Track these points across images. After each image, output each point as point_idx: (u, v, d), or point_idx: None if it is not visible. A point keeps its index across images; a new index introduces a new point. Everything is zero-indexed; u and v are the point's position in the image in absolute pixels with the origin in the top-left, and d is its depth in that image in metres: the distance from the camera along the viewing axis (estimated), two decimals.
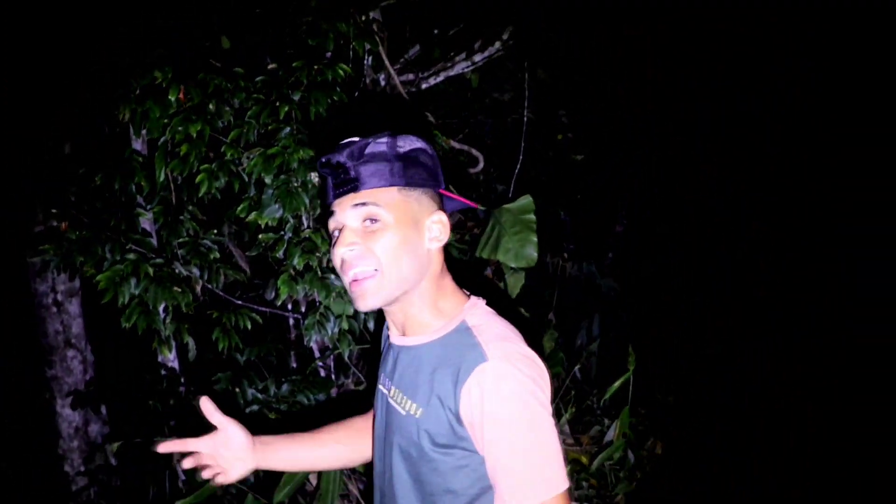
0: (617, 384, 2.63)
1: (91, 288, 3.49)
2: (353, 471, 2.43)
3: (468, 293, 1.22)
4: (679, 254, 4.43)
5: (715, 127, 4.23)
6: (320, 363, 2.48)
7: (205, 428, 2.78)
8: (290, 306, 2.45)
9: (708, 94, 4.06)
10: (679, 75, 3.93)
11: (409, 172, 1.15)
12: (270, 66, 2.01)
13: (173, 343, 2.49)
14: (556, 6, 3.02)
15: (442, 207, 1.16)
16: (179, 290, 2.26)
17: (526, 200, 2.16)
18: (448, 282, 1.19)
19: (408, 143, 1.17)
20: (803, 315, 4.35)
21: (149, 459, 3.00)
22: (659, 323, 4.00)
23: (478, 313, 1.16)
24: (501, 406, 1.04)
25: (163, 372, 2.92)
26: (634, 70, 3.74)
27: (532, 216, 2.17)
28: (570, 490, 1.09)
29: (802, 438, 3.63)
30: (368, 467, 2.26)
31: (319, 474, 2.36)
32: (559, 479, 1.06)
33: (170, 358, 2.85)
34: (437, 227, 1.13)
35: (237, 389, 2.59)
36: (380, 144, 1.14)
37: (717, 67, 3.97)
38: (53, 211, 2.36)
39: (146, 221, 2.35)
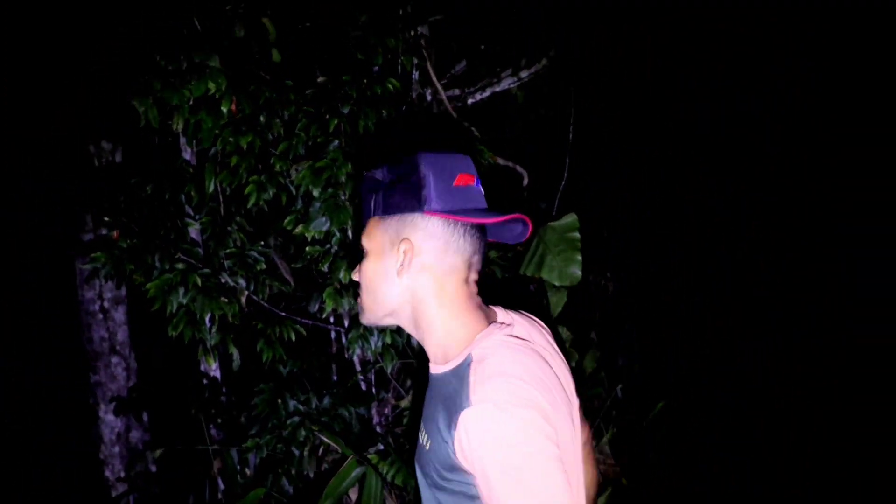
0: (660, 405, 2.64)
1: (136, 296, 3.53)
2: (392, 484, 2.43)
3: (494, 318, 1.16)
4: (679, 254, 4.43)
5: (715, 127, 4.23)
6: (361, 377, 2.49)
7: (243, 437, 2.78)
8: (332, 319, 2.46)
9: (708, 94, 4.06)
10: (679, 75, 3.92)
11: (389, 201, 1.16)
12: (320, 80, 2.02)
13: (217, 353, 2.50)
14: (556, 6, 3.02)
15: (444, 228, 1.11)
16: (226, 300, 2.27)
17: (570, 219, 2.22)
18: (457, 309, 1.13)
19: (400, 169, 1.15)
20: (803, 315, 4.36)
21: (189, 467, 3.00)
22: (659, 323, 4.00)
23: (488, 344, 1.10)
24: (488, 454, 1.01)
25: (205, 381, 2.94)
26: (634, 70, 3.74)
27: (577, 234, 2.20)
28: None
29: (802, 438, 3.63)
30: (407, 482, 2.26)
31: (360, 488, 2.36)
32: None
33: (212, 368, 2.87)
34: (401, 254, 1.12)
35: (279, 401, 2.59)
36: (376, 174, 1.16)
37: (717, 67, 3.97)
38: (106, 219, 2.36)
39: (194, 231, 2.38)
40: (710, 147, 4.27)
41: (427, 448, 1.11)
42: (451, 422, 1.03)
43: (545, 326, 1.28)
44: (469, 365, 1.07)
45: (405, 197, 1.13)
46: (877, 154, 4.00)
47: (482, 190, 1.17)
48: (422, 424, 1.16)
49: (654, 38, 3.70)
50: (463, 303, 1.14)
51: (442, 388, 1.10)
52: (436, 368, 1.15)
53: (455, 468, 1.06)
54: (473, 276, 1.15)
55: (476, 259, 1.14)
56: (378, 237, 1.16)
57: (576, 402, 1.20)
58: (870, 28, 3.81)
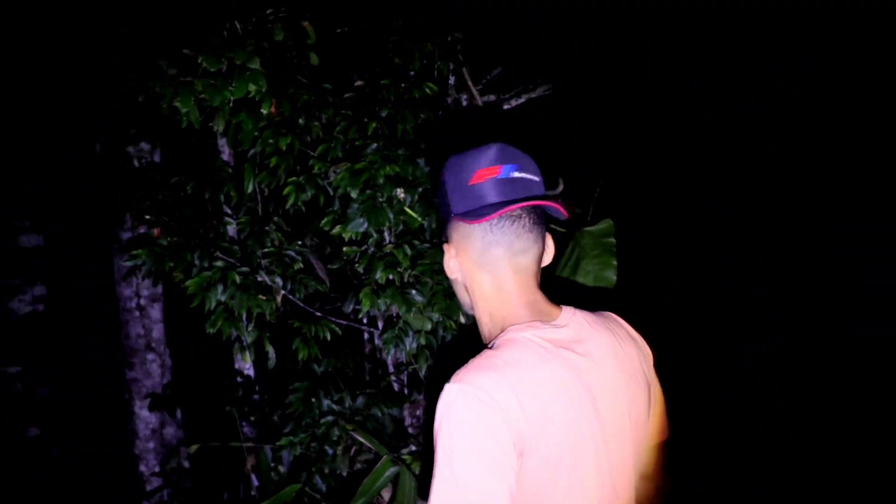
0: None
1: (172, 294, 3.59)
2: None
3: (550, 316, 1.15)
4: (679, 254, 4.44)
5: (715, 127, 4.23)
6: (394, 378, 2.52)
7: (276, 435, 2.80)
8: (365, 320, 2.48)
9: (708, 94, 4.07)
10: (679, 75, 3.93)
11: (440, 209, 1.21)
12: (358, 83, 2.06)
13: (253, 350, 2.53)
14: (556, 6, 3.03)
15: (476, 232, 1.13)
16: (264, 298, 2.30)
17: (606, 224, 2.27)
18: (500, 302, 1.15)
19: (438, 176, 1.20)
20: (803, 315, 4.35)
21: (223, 464, 3.04)
22: (659, 323, 4.00)
23: (507, 338, 1.11)
24: (436, 428, 1.01)
25: (239, 379, 2.98)
26: (634, 70, 3.74)
27: (612, 240, 2.24)
28: None
29: (802, 438, 3.63)
30: None
31: (394, 487, 2.38)
32: None
33: (246, 366, 2.91)
34: (450, 254, 1.18)
35: (314, 399, 2.63)
36: (440, 179, 1.21)
37: (717, 67, 3.97)
38: (147, 217, 2.40)
39: (232, 230, 2.42)
40: (710, 147, 4.28)
41: None
42: None
43: (635, 338, 1.25)
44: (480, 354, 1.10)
45: (441, 202, 1.19)
46: (877, 154, 4.00)
47: (514, 174, 1.15)
48: None
49: (654, 38, 3.70)
50: (507, 295, 1.15)
51: None
52: None
53: None
54: (527, 262, 1.15)
55: (520, 245, 1.14)
56: (444, 237, 1.22)
57: (638, 416, 1.14)
58: (870, 28, 3.81)
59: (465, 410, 1.00)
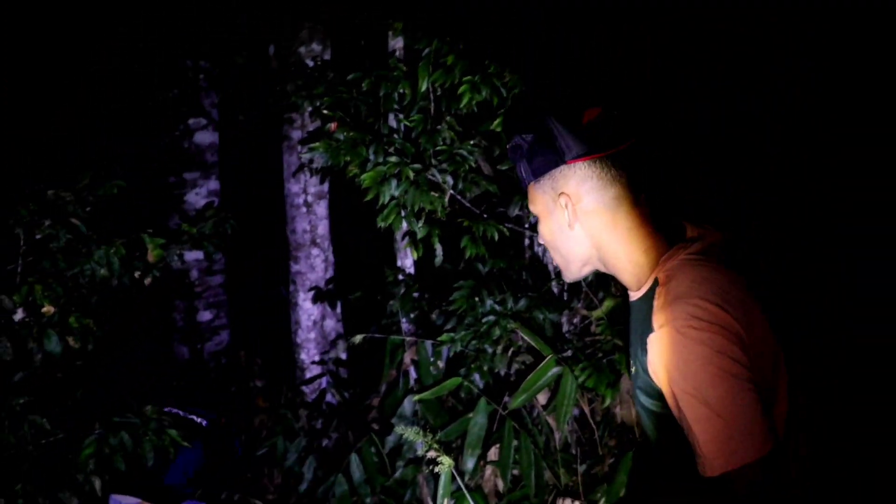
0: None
1: (336, 192, 3.69)
2: (585, 388, 2.44)
3: (682, 235, 1.14)
4: None
5: (715, 127, 4.23)
6: (556, 284, 2.51)
7: (433, 332, 2.80)
8: (527, 225, 2.48)
9: (708, 94, 4.06)
10: (679, 75, 3.92)
11: (534, 164, 1.20)
12: None
13: (422, 247, 2.54)
14: (556, 6, 3.02)
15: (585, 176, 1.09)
16: (436, 195, 2.31)
17: None
18: (635, 237, 1.16)
19: (534, 131, 1.18)
20: (803, 315, 4.35)
21: (381, 356, 3.11)
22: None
23: (671, 266, 1.12)
24: (672, 379, 1.01)
25: (400, 276, 3.01)
26: (634, 70, 3.74)
27: None
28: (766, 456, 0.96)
29: (802, 438, 3.61)
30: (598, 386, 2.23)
31: (556, 387, 2.38)
32: (747, 446, 0.97)
33: (408, 263, 2.95)
34: (564, 208, 1.14)
35: (477, 298, 2.64)
36: (517, 143, 1.19)
37: (717, 67, 3.97)
38: (325, 112, 2.43)
39: (405, 128, 2.43)
40: (710, 147, 4.27)
41: (634, 374, 1.13)
42: (644, 348, 1.06)
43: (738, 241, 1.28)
44: (655, 289, 1.09)
45: (546, 155, 1.19)
46: (877, 154, 4.00)
47: (614, 112, 1.16)
48: (630, 351, 1.19)
49: (654, 38, 3.69)
50: (639, 229, 1.17)
51: (637, 315, 1.15)
52: (632, 296, 1.18)
53: (656, 393, 1.07)
54: (645, 196, 1.15)
55: (639, 178, 1.14)
56: (539, 200, 1.22)
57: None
58: (870, 28, 3.80)
59: (699, 345, 0.99)
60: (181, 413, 3.62)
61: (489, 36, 2.80)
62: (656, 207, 1.17)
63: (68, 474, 2.91)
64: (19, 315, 3.14)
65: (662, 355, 1.03)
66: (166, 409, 3.49)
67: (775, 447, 0.99)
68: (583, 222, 1.17)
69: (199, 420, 3.59)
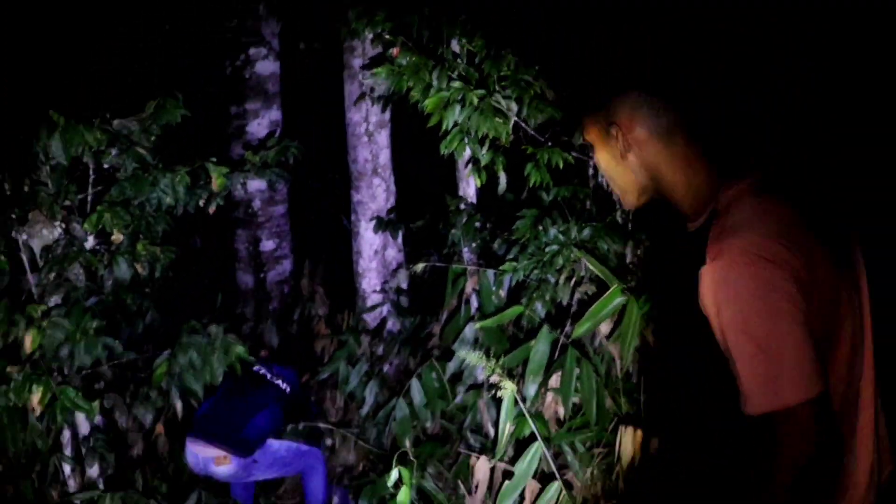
0: None
1: (398, 122, 3.64)
2: (649, 319, 2.42)
3: (745, 165, 1.12)
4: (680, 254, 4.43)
5: (715, 127, 4.22)
6: (620, 213, 2.46)
7: (495, 262, 2.72)
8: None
9: (708, 94, 4.05)
10: (679, 75, 3.91)
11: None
12: None
13: (485, 174, 2.46)
14: (556, 6, 3.02)
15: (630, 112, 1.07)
16: (500, 121, 2.26)
17: None
18: (694, 166, 1.12)
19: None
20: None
21: (442, 284, 3.10)
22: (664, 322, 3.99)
23: (730, 195, 1.09)
24: (720, 311, 0.98)
25: (462, 206, 2.98)
26: (634, 70, 3.73)
27: None
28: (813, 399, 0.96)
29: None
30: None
31: (619, 317, 2.35)
32: (792, 386, 0.94)
33: (470, 193, 2.91)
34: (617, 137, 1.12)
35: (540, 227, 2.58)
36: None
37: (717, 67, 3.96)
38: (387, 37, 2.39)
39: (468, 52, 2.36)
40: (709, 147, 4.26)
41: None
42: (698, 282, 1.03)
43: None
44: (712, 220, 1.07)
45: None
46: (877, 154, 4.00)
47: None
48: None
49: (654, 38, 3.69)
50: (697, 158, 1.16)
51: (697, 245, 1.11)
52: (690, 226, 1.15)
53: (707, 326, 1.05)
54: (702, 125, 1.13)
55: (692, 108, 1.12)
56: (593, 130, 1.22)
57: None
58: (870, 28, 3.80)
59: (751, 279, 0.96)
60: (268, 376, 3.64)
61: (489, 36, 2.79)
62: (715, 136, 1.15)
63: (142, 393, 2.99)
64: (90, 243, 3.18)
65: (712, 287, 1.01)
66: (254, 369, 3.61)
67: (823, 393, 0.95)
68: (636, 152, 1.16)
69: (283, 386, 3.60)
